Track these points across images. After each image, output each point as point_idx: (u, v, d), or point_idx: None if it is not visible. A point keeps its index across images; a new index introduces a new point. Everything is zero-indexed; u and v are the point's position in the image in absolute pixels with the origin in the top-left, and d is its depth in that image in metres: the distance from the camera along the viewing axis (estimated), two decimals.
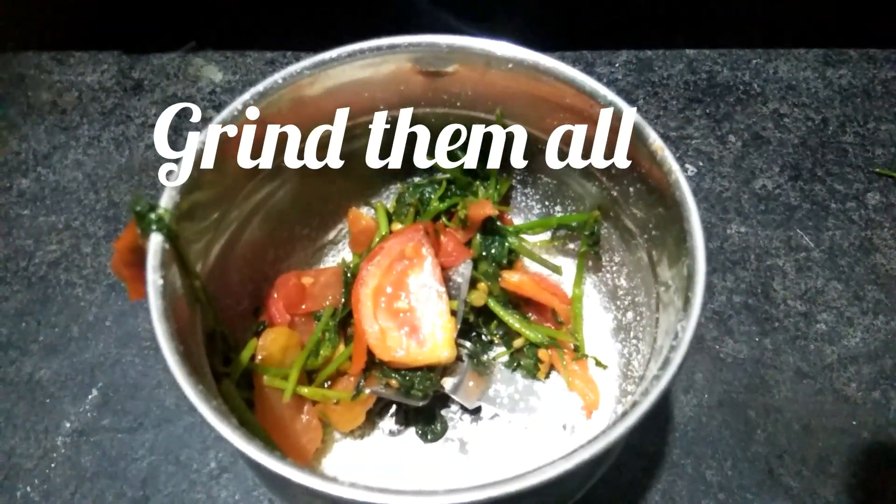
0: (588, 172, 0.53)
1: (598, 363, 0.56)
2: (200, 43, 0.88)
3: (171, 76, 0.86)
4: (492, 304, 0.57)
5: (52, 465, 0.63)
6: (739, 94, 0.86)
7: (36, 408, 0.65)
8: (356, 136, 0.54)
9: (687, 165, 0.80)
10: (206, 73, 0.87)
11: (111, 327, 0.69)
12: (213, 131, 0.44)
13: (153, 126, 0.82)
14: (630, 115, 0.45)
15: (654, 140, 0.44)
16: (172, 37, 0.88)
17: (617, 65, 0.88)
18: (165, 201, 0.42)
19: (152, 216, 0.41)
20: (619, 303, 0.57)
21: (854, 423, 0.65)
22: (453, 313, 0.52)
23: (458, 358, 0.55)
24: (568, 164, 0.54)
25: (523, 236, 0.59)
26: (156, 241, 0.40)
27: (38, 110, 0.83)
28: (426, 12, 0.84)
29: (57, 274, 0.72)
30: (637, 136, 0.45)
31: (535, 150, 0.55)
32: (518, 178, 0.60)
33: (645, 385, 0.37)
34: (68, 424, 0.64)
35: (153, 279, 0.39)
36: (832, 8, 0.89)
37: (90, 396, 0.66)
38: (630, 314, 0.55)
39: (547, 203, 0.60)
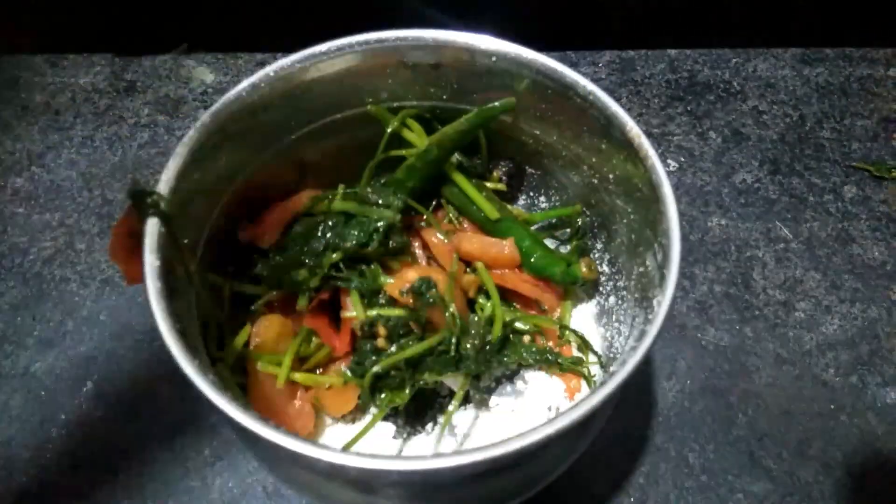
0: (571, 162, 0.55)
1: (581, 347, 0.57)
2: (192, 45, 0.90)
3: (163, 77, 0.88)
4: (481, 299, 0.58)
5: (48, 456, 0.64)
6: (719, 92, 0.88)
7: (32, 400, 0.66)
8: (345, 128, 0.56)
9: (669, 161, 0.82)
10: (198, 74, 0.88)
11: (105, 321, 0.70)
12: (207, 121, 0.46)
13: (146, 126, 0.84)
14: (609, 104, 0.47)
15: (632, 127, 0.46)
16: (164, 39, 0.90)
17: (600, 64, 0.90)
18: (162, 187, 0.43)
19: (149, 201, 0.42)
20: (601, 288, 0.59)
21: (832, 407, 0.67)
22: None
23: None
24: (552, 156, 0.56)
25: None
26: (152, 225, 0.42)
27: (31, 111, 0.85)
28: (414, 15, 0.86)
29: (52, 270, 0.73)
30: (615, 124, 0.47)
31: (519, 142, 0.57)
32: (503, 169, 0.61)
33: (623, 357, 0.39)
34: (63, 416, 0.65)
35: (150, 260, 0.41)
36: (809, 8, 0.91)
37: (85, 388, 0.67)
38: (612, 299, 0.57)
39: (532, 194, 0.62)
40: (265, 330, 0.53)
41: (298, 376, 0.53)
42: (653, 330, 0.38)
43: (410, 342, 0.51)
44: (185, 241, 0.46)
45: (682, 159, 0.82)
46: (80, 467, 0.63)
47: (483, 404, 0.57)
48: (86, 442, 0.64)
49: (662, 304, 0.39)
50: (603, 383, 0.37)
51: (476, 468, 0.35)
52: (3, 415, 0.65)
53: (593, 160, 0.52)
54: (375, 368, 0.49)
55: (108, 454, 0.64)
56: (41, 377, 0.67)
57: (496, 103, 0.53)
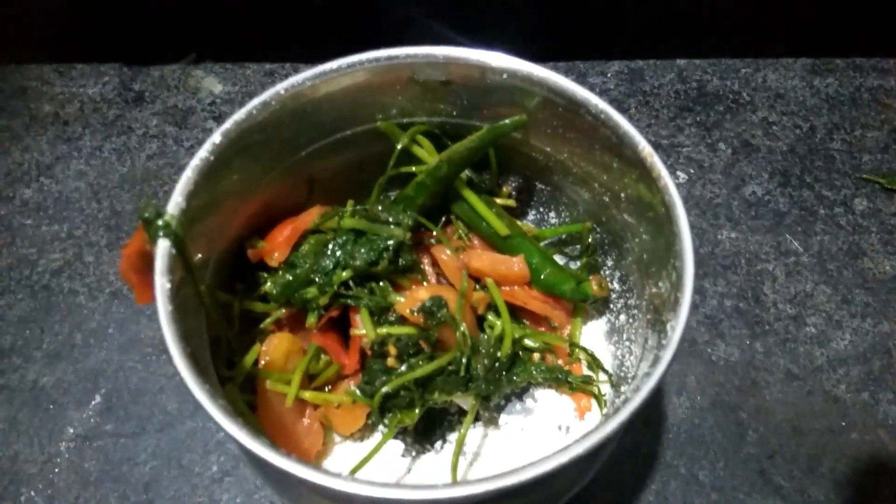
0: (581, 179, 0.55)
1: (592, 366, 0.57)
2: (200, 55, 0.90)
3: (172, 88, 0.88)
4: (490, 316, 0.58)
5: (56, 470, 0.64)
6: (729, 102, 0.88)
7: (39, 413, 0.66)
8: (355, 144, 0.55)
9: (678, 173, 0.82)
10: (206, 84, 0.88)
11: (114, 334, 0.70)
12: (218, 141, 0.46)
13: (154, 137, 0.83)
14: (620, 123, 0.46)
15: (644, 147, 0.46)
16: (173, 49, 0.90)
17: (609, 75, 0.90)
18: (172, 207, 0.43)
19: (160, 222, 0.42)
20: (612, 306, 0.58)
21: (843, 423, 0.67)
22: None
23: None
24: (562, 172, 0.56)
25: None
26: (163, 247, 0.42)
27: (40, 121, 0.85)
28: (423, 25, 0.86)
29: (60, 282, 0.73)
30: (627, 142, 0.46)
31: (529, 158, 0.57)
32: (513, 185, 0.61)
33: (636, 383, 0.38)
34: (72, 430, 0.65)
35: (161, 283, 0.40)
36: (819, 18, 0.91)
37: (93, 402, 0.67)
38: (623, 317, 0.57)
39: (541, 210, 0.62)
40: (274, 348, 0.53)
41: (307, 395, 0.53)
42: (667, 355, 0.38)
43: (420, 361, 0.50)
44: (196, 258, 0.46)
45: (692, 171, 0.82)
46: (88, 482, 0.63)
47: (493, 422, 0.57)
48: (93, 456, 0.64)
49: (676, 329, 0.39)
50: (617, 410, 0.37)
51: (488, 496, 0.35)
52: (11, 429, 0.65)
53: (604, 178, 0.52)
54: (385, 388, 0.49)
55: (116, 469, 0.64)
56: (49, 391, 0.67)
57: (507, 121, 0.53)
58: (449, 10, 0.82)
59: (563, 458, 0.35)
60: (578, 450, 0.35)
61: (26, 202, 0.79)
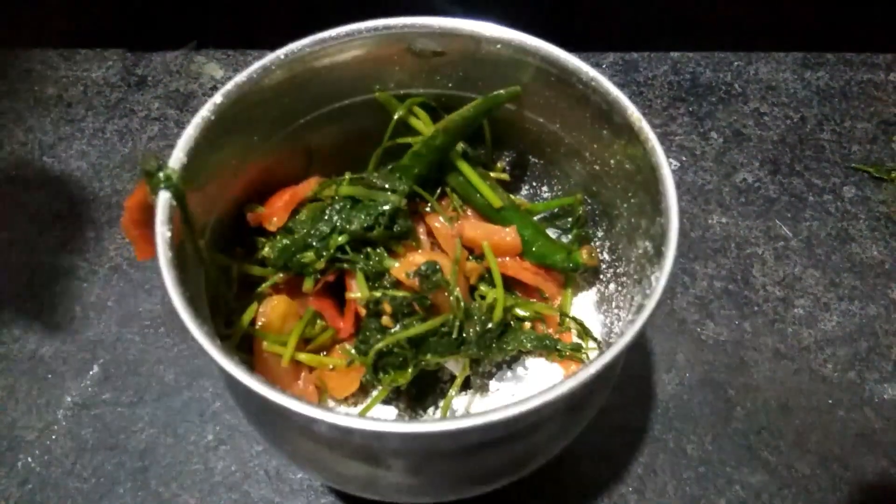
0: (573, 150, 0.56)
1: (581, 334, 0.58)
2: (202, 42, 0.92)
3: (174, 73, 0.89)
4: (483, 287, 0.59)
5: (53, 437, 0.64)
6: (721, 93, 0.89)
7: (38, 383, 0.67)
8: (352, 114, 0.57)
9: (671, 160, 0.83)
10: (208, 70, 0.90)
11: (113, 307, 0.71)
12: (219, 101, 0.47)
13: (156, 119, 0.85)
14: (610, 90, 0.48)
15: (633, 112, 0.47)
16: (175, 36, 0.91)
17: (604, 66, 0.92)
18: (174, 162, 0.44)
19: (161, 175, 0.43)
20: (601, 276, 0.59)
21: (830, 401, 0.68)
22: None
23: None
24: (555, 144, 0.57)
25: None
26: (164, 198, 0.43)
27: (44, 103, 0.86)
28: (423, 7, 0.87)
29: (61, 257, 0.74)
30: (617, 109, 0.48)
31: (523, 130, 0.58)
32: (507, 159, 0.62)
33: (620, 330, 0.39)
34: (69, 399, 0.66)
35: (161, 231, 0.42)
36: (810, 13, 0.93)
37: (91, 372, 0.68)
38: (612, 286, 0.58)
39: (534, 184, 0.63)
40: (272, 310, 0.54)
41: (303, 356, 0.54)
42: (650, 304, 0.39)
43: (414, 322, 0.51)
44: (196, 218, 0.47)
45: (684, 158, 0.84)
46: (85, 449, 0.64)
47: (483, 389, 0.58)
48: (91, 424, 0.65)
49: (661, 279, 0.40)
50: (599, 355, 0.38)
51: (475, 432, 0.36)
52: (10, 397, 0.66)
53: (595, 147, 0.53)
54: (379, 345, 0.50)
55: (113, 437, 0.64)
56: (48, 361, 0.68)
57: (502, 91, 0.54)
58: (448, 5, 0.84)
59: (548, 397, 0.36)
60: (562, 389, 0.36)
61: (29, 181, 0.80)
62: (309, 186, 0.57)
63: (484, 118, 0.57)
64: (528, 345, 0.56)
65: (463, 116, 0.55)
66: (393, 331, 0.51)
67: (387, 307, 0.51)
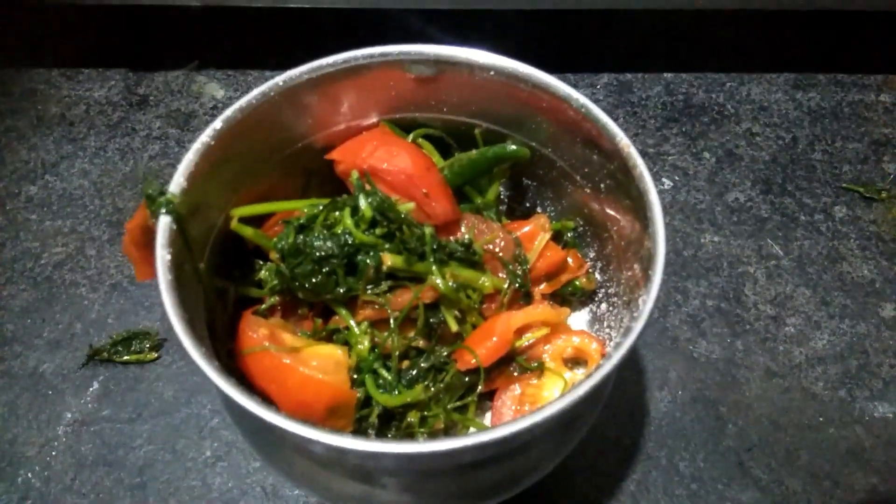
0: (566, 173, 0.57)
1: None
2: (203, 62, 0.93)
3: (175, 92, 0.91)
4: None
5: (53, 453, 0.65)
6: (714, 114, 0.91)
7: (39, 399, 0.68)
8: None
9: (664, 179, 0.84)
10: (209, 90, 0.91)
11: (113, 324, 0.72)
12: (219, 126, 0.48)
13: (157, 138, 0.86)
14: (600, 117, 0.49)
15: (622, 138, 0.48)
16: (177, 56, 0.93)
17: (598, 87, 0.93)
18: (174, 186, 0.45)
19: (162, 199, 0.44)
20: (594, 296, 0.61)
21: (821, 419, 0.69)
22: None
23: None
24: (547, 167, 0.58)
25: None
26: (164, 222, 0.44)
27: (46, 122, 0.88)
28: (419, 41, 0.89)
29: (62, 274, 0.75)
30: (606, 135, 0.49)
31: None
32: (502, 181, 0.64)
33: (609, 353, 0.40)
34: (69, 415, 0.67)
35: (161, 254, 0.43)
36: (802, 35, 0.94)
37: (91, 389, 0.69)
38: (604, 306, 0.59)
39: (527, 205, 0.64)
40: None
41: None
42: (637, 326, 0.40)
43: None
44: (194, 241, 0.48)
45: (677, 178, 0.85)
46: (85, 465, 0.65)
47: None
48: (90, 440, 0.66)
49: (647, 302, 0.41)
50: (588, 375, 0.39)
51: (468, 452, 0.37)
52: (11, 413, 0.67)
53: (586, 170, 0.54)
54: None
55: (112, 453, 0.65)
56: (49, 377, 0.69)
57: (511, 147, 0.56)
58: (442, 25, 0.86)
59: (538, 417, 0.37)
60: (554, 409, 0.37)
61: (31, 198, 0.81)
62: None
63: (490, 166, 0.58)
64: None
65: (470, 158, 0.57)
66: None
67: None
